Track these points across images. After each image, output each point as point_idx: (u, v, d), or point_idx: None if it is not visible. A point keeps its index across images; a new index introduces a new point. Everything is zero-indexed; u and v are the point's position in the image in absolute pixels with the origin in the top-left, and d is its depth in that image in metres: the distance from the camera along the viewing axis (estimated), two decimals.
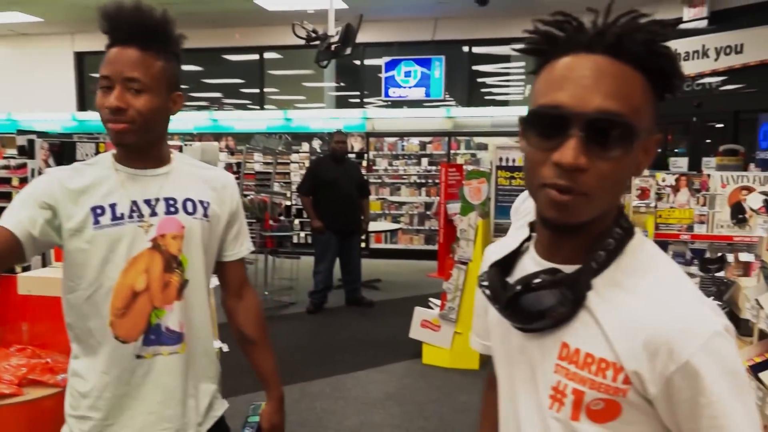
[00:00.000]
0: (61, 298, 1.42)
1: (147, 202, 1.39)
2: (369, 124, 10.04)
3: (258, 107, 10.94)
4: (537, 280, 0.83)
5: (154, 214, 1.39)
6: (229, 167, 9.62)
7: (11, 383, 2.04)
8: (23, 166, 5.18)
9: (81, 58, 11.72)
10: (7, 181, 5.25)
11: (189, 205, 1.43)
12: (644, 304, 0.79)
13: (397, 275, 8.31)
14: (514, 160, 5.01)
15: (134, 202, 1.37)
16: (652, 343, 0.77)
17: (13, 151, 5.51)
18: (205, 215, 1.45)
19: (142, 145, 1.38)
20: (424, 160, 9.87)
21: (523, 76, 10.30)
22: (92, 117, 11.29)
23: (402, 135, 9.98)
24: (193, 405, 1.46)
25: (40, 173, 5.13)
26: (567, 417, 0.84)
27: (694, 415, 0.77)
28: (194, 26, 11.36)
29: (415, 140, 9.96)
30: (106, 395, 1.38)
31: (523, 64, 10.13)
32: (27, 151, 5.17)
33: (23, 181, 5.20)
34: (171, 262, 1.40)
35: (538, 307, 0.83)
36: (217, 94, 11.66)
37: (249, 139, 10.21)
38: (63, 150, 5.40)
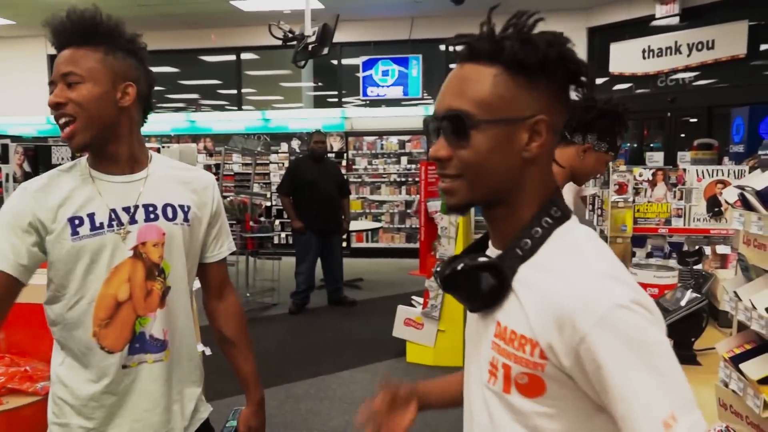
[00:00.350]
0: (44, 306, 1.40)
1: (126, 209, 1.37)
2: (348, 123, 10.04)
3: (236, 108, 10.86)
4: (459, 265, 0.92)
5: (133, 221, 1.37)
6: (208, 169, 9.52)
7: None
8: None
9: (54, 61, 11.55)
10: None
11: (169, 210, 1.41)
12: (556, 282, 0.85)
13: (379, 274, 8.31)
14: None
15: (113, 211, 1.35)
16: (560, 318, 0.82)
17: None
18: (186, 219, 1.43)
19: (99, 144, 1.35)
20: (404, 159, 9.89)
21: None
22: None
23: (381, 134, 9.98)
24: (179, 410, 1.46)
25: (15, 178, 5.04)
26: (500, 389, 0.91)
27: (602, 386, 0.81)
28: (170, 28, 11.27)
29: (394, 139, 9.97)
30: (92, 404, 1.36)
31: None
32: (1, 156, 5.08)
33: None
34: (153, 269, 1.38)
35: (469, 288, 0.93)
36: (194, 96, 11.56)
37: (227, 140, 10.15)
38: (38, 154, 5.31)
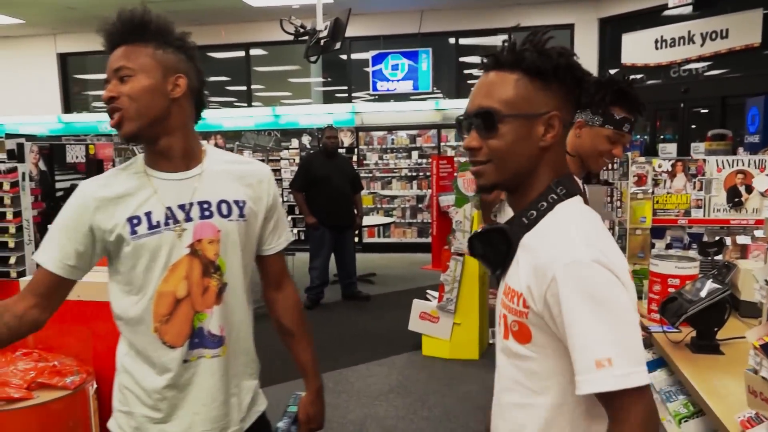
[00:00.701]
0: (110, 302, 1.44)
1: (181, 207, 1.38)
2: (358, 118, 10.03)
3: (245, 104, 10.88)
4: (480, 230, 1.17)
5: (188, 219, 1.39)
6: None
7: (20, 387, 2.03)
8: (13, 170, 5.13)
9: (64, 60, 11.60)
10: None
11: (224, 207, 1.43)
12: (542, 243, 1.06)
13: (391, 269, 8.33)
14: None
15: (169, 209, 1.37)
16: (536, 268, 1.03)
17: (2, 155, 5.45)
18: (242, 215, 1.45)
19: (151, 136, 1.37)
20: (414, 153, 9.88)
21: None
22: (78, 119, 11.19)
23: (391, 129, 9.97)
24: (236, 403, 1.48)
25: (31, 177, 5.08)
26: (502, 336, 1.13)
27: (561, 325, 1.00)
28: (178, 24, 11.26)
29: (404, 134, 9.96)
30: (155, 396, 1.39)
31: None
32: (16, 155, 5.11)
33: (14, 185, 5.15)
34: (209, 266, 1.40)
35: (486, 250, 1.15)
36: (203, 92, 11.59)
37: (238, 137, 10.20)
38: (53, 153, 5.35)
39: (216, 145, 10.21)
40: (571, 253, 1.00)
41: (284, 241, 1.59)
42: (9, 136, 5.39)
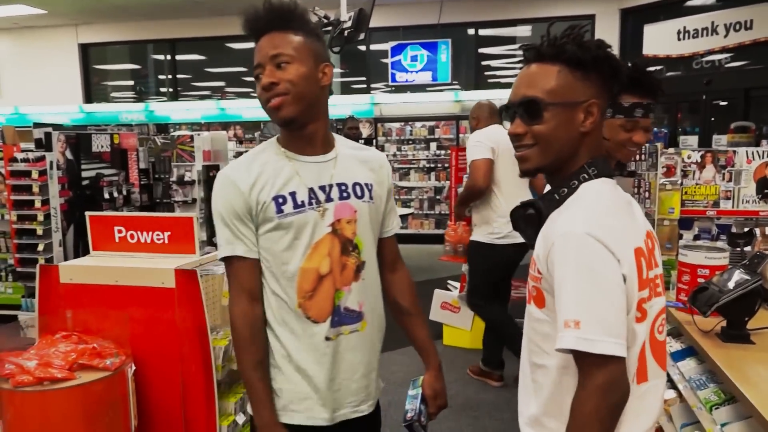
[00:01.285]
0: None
1: (322, 188, 1.45)
2: (377, 109, 10.04)
3: None
4: (518, 205, 1.29)
5: (329, 200, 1.46)
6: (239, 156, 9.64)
7: (63, 368, 2.10)
8: (42, 158, 5.22)
9: (86, 50, 11.70)
10: (26, 173, 5.29)
11: (357, 189, 1.50)
12: (559, 216, 1.17)
13: (409, 259, 8.26)
14: None
15: (311, 189, 1.44)
16: (546, 236, 1.16)
17: (30, 145, 5.54)
18: (371, 197, 1.52)
19: (303, 122, 1.43)
20: (433, 145, 9.88)
21: None
22: (99, 108, 11.30)
23: (410, 120, 9.97)
24: (374, 378, 1.57)
25: (58, 166, 5.17)
26: (526, 303, 1.26)
27: (553, 284, 1.12)
28: (198, 15, 11.35)
29: (423, 125, 9.95)
30: (302, 370, 1.46)
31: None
32: (44, 144, 5.20)
33: (42, 174, 5.25)
34: (347, 245, 1.47)
35: (521, 222, 1.28)
36: (221, 83, 11.65)
37: (257, 127, 10.24)
38: (79, 142, 5.43)
39: (235, 135, 10.30)
40: (569, 223, 1.12)
41: (397, 225, 1.66)
42: (37, 125, 5.48)
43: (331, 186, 1.47)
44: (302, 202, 1.43)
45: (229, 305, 1.47)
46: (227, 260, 1.46)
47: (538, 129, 1.19)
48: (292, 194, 1.42)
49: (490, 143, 3.70)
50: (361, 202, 1.50)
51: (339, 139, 1.56)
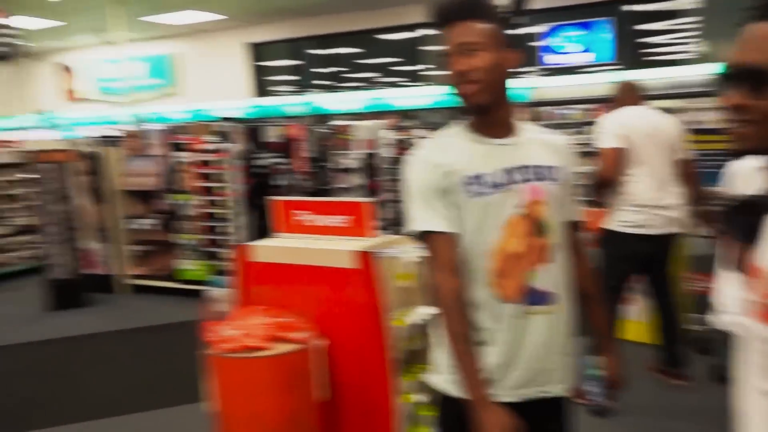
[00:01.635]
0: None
1: (510, 170, 1.49)
2: (533, 93, 9.78)
3: (420, 84, 11.07)
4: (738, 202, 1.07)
5: (520, 181, 1.49)
6: (397, 144, 9.89)
7: (262, 338, 2.32)
8: (226, 150, 5.79)
9: (255, 49, 12.64)
10: (212, 163, 5.89)
11: (545, 171, 1.52)
12: None
13: None
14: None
15: (501, 171, 1.48)
16: None
17: (213, 138, 6.15)
18: (558, 180, 1.54)
19: (492, 106, 1.48)
20: (587, 129, 9.42)
21: (692, 33, 9.37)
22: (265, 102, 12.17)
23: (566, 103, 9.57)
24: (566, 361, 1.56)
25: (238, 155, 5.70)
26: (748, 318, 1.03)
27: None
28: (348, 9, 11.75)
29: (578, 108, 9.51)
30: (491, 348, 1.49)
31: (692, 19, 9.22)
32: (225, 136, 5.77)
33: (227, 164, 5.82)
34: (538, 226, 1.50)
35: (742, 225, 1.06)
36: (374, 74, 12.00)
37: (413, 116, 10.43)
38: (255, 133, 5.95)
39: (390, 124, 10.55)
40: None
41: (580, 210, 1.66)
42: (224, 119, 6.12)
43: (518, 168, 1.49)
44: (493, 183, 1.46)
45: (433, 281, 1.50)
46: (426, 236, 1.49)
47: (765, 105, 0.95)
48: (482, 176, 1.46)
49: (619, 129, 3.47)
50: (549, 184, 1.51)
51: (524, 125, 1.57)
